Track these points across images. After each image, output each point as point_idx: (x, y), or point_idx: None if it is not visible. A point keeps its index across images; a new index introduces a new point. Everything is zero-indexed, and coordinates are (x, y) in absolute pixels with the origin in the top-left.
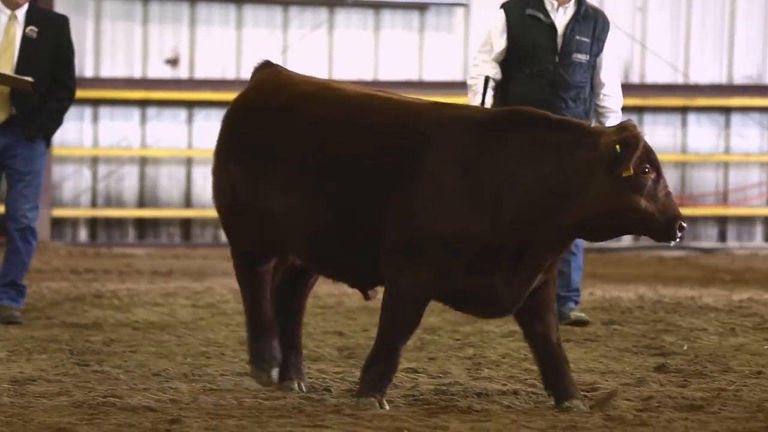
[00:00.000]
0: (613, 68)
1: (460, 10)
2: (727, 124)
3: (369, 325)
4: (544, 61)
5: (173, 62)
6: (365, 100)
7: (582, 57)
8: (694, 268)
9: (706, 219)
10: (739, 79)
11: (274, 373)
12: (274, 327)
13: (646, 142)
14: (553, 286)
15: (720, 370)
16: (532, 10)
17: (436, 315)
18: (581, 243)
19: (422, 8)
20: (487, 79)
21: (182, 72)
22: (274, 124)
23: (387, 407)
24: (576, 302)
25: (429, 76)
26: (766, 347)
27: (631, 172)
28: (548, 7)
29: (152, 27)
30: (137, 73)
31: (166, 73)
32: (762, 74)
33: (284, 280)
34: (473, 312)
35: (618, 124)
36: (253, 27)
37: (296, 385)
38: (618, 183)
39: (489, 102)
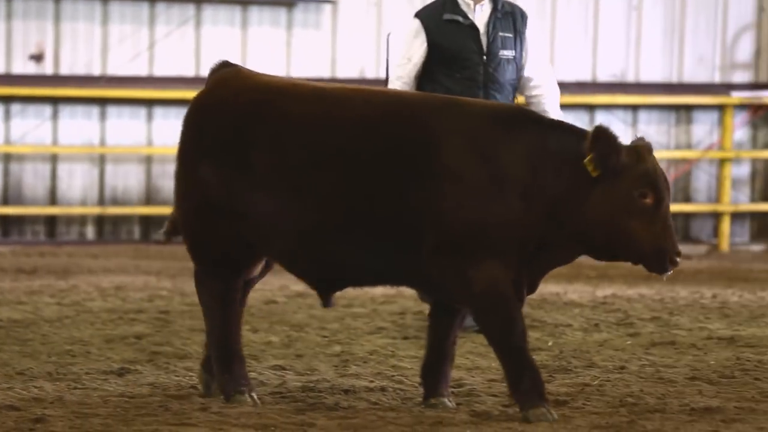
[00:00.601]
0: (539, 60)
1: (327, 7)
2: (592, 121)
3: None
4: (472, 63)
5: (38, 58)
6: (351, 93)
7: (508, 53)
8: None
9: None
10: (603, 77)
11: (254, 395)
12: (241, 352)
13: (649, 167)
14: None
15: (584, 366)
16: (450, 14)
17: (303, 312)
18: None
19: (290, 5)
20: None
21: (47, 68)
22: (250, 123)
23: (555, 416)
24: None
25: (297, 73)
26: (628, 342)
27: (589, 165)
28: (464, 8)
29: (16, 23)
30: (1, 70)
31: (30, 69)
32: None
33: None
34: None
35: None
36: (119, 23)
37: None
38: (614, 200)
39: None
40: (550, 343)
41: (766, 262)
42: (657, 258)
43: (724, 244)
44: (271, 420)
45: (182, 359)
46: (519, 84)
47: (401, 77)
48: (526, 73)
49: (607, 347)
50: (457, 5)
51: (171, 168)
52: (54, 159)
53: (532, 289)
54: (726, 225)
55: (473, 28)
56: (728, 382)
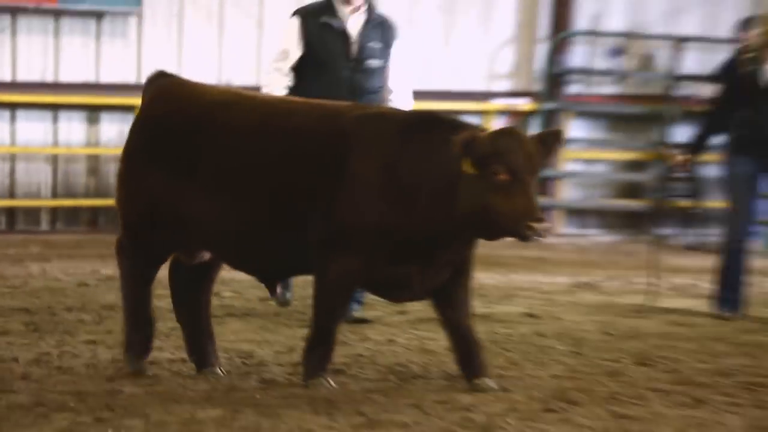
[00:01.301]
0: (401, 73)
1: (133, 19)
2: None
3: (53, 303)
4: (339, 68)
5: None
6: (285, 104)
7: (376, 62)
8: None
9: None
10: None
11: (144, 361)
12: (152, 322)
13: (498, 146)
14: (466, 277)
15: (359, 339)
16: (326, 17)
17: (113, 293)
18: None
19: (99, 16)
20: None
21: None
22: (193, 131)
23: (333, 384)
24: (360, 302)
25: (106, 79)
26: (398, 317)
27: (468, 169)
28: (340, 14)
29: None
30: None
31: None
32: None
33: (190, 276)
34: (390, 298)
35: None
36: None
37: (218, 369)
38: (478, 183)
39: None
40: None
41: (513, 249)
42: (516, 227)
43: None
44: (85, 388)
45: (3, 335)
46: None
47: (279, 69)
48: (390, 81)
49: (380, 323)
50: (334, 11)
51: None
52: None
53: (434, 282)
54: None
55: (345, 34)
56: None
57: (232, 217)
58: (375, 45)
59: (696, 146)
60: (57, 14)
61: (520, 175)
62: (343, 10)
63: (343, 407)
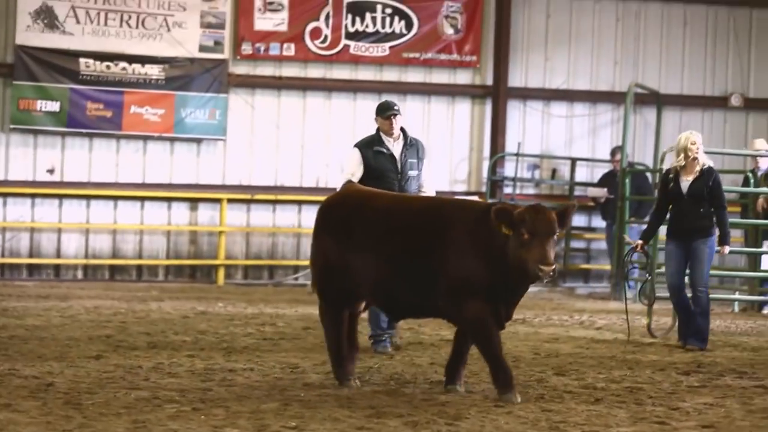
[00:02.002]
0: (430, 178)
1: (221, 143)
2: None
3: (165, 329)
4: (391, 179)
5: None
6: (409, 197)
7: (413, 173)
8: None
9: None
10: None
11: (355, 381)
12: (351, 353)
13: (526, 216)
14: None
15: (369, 356)
16: (377, 146)
17: (206, 323)
18: None
19: (199, 141)
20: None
21: None
22: (353, 214)
23: (519, 399)
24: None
25: (203, 181)
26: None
27: (505, 231)
28: (386, 143)
29: None
30: None
31: None
32: None
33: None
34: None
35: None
36: None
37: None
38: (513, 241)
39: None
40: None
41: None
42: (532, 270)
43: None
44: (186, 387)
45: (135, 350)
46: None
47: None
48: (421, 183)
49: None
50: (382, 141)
51: None
52: None
53: (509, 316)
54: None
55: (393, 156)
56: None
57: (379, 273)
58: (412, 160)
59: (646, 236)
60: (172, 140)
61: (537, 235)
62: (389, 140)
63: (359, 402)
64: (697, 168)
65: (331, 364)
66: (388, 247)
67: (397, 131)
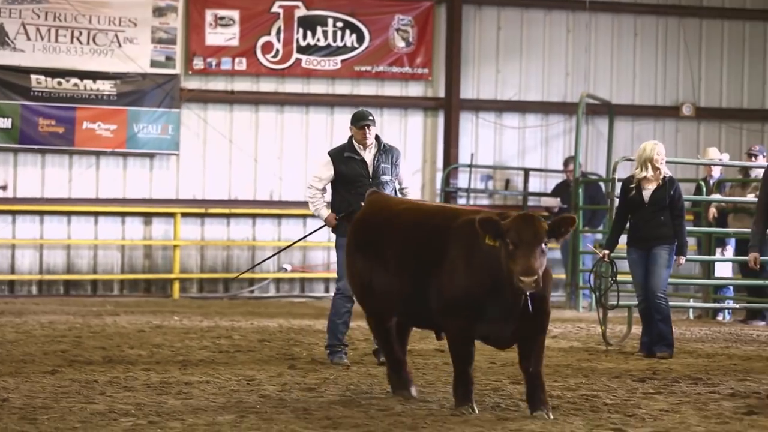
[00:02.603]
0: (409, 179)
1: (174, 157)
2: None
3: (121, 343)
4: (363, 184)
5: None
6: (427, 210)
7: (386, 178)
8: (310, 308)
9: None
10: None
11: (413, 390)
12: (403, 360)
13: (510, 227)
14: (541, 335)
15: (325, 367)
16: (348, 152)
17: (161, 336)
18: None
19: (152, 156)
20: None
21: None
22: (378, 230)
23: (477, 411)
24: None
25: (156, 196)
26: (351, 353)
27: (490, 242)
28: (359, 150)
29: None
30: None
31: None
32: None
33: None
34: (494, 345)
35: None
36: None
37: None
38: (502, 251)
39: (326, 209)
40: (304, 354)
41: None
42: (515, 281)
43: None
44: (142, 400)
45: (90, 364)
46: (400, 192)
47: (315, 187)
48: (402, 185)
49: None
50: (354, 148)
51: None
52: None
53: (514, 332)
54: None
55: (363, 161)
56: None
57: (395, 286)
58: (385, 165)
59: (610, 245)
60: (125, 155)
61: (520, 245)
62: (361, 148)
63: (316, 413)
64: (660, 177)
65: (387, 373)
66: (399, 263)
67: (371, 140)
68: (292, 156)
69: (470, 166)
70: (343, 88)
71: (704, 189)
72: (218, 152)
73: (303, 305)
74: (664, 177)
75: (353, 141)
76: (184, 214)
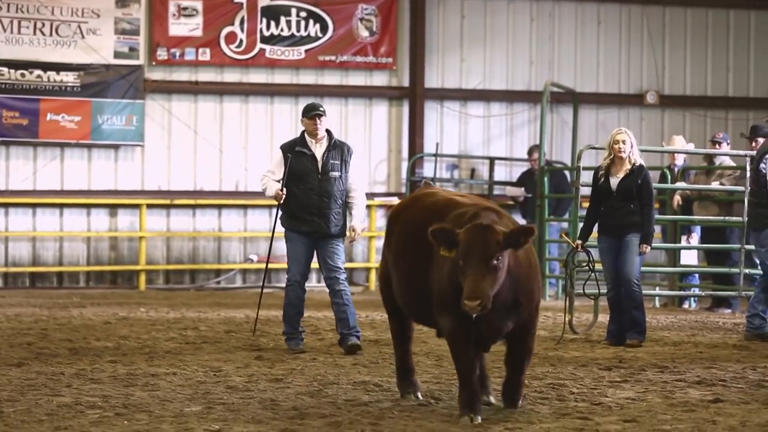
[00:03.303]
0: (358, 178)
1: (138, 149)
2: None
3: (87, 335)
4: (311, 179)
5: None
6: (440, 203)
7: (335, 174)
8: (277, 299)
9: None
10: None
11: (419, 394)
12: (413, 369)
13: (461, 240)
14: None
15: (292, 358)
16: (300, 147)
17: (127, 328)
18: (348, 297)
19: (117, 147)
20: (287, 159)
21: None
22: (398, 223)
23: (479, 420)
24: (357, 337)
25: (121, 187)
26: (318, 343)
27: (446, 254)
28: (310, 144)
29: None
30: None
31: None
32: None
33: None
34: (478, 344)
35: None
36: None
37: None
38: (454, 264)
39: (275, 184)
40: (271, 345)
41: None
42: (462, 302)
43: (372, 286)
44: (109, 393)
45: (57, 357)
46: (347, 191)
47: (268, 179)
48: (350, 185)
49: (305, 347)
50: (305, 142)
51: None
52: None
53: (493, 334)
54: (373, 274)
55: (314, 157)
56: (376, 366)
57: (401, 285)
58: (335, 161)
59: (584, 234)
60: (89, 147)
61: (468, 261)
62: (312, 142)
63: (283, 404)
64: (627, 166)
65: (397, 376)
66: (406, 258)
67: (321, 132)
68: (257, 146)
69: (435, 155)
70: (307, 77)
71: (669, 177)
72: (183, 143)
73: (270, 296)
74: (633, 165)
75: (305, 135)
76: (149, 206)
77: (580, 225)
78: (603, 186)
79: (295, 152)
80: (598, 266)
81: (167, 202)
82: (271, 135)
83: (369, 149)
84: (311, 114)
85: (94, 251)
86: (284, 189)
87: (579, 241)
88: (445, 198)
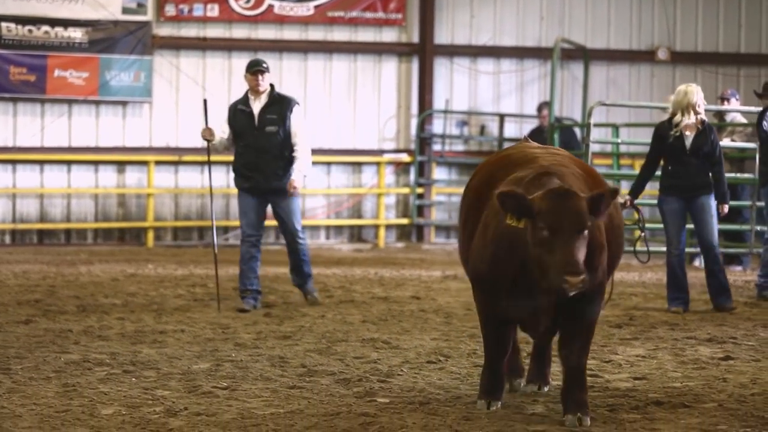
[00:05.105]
0: (300, 131)
1: (147, 105)
2: None
3: (95, 292)
4: (249, 136)
5: None
6: (510, 159)
7: (272, 128)
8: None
9: None
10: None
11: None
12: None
13: (543, 207)
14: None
15: (300, 315)
16: (241, 105)
17: (135, 285)
18: (304, 251)
19: (125, 104)
20: (205, 102)
21: None
22: (472, 179)
23: (498, 406)
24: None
25: (129, 144)
26: (327, 300)
27: (514, 223)
28: (250, 101)
29: None
30: None
31: None
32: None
33: None
34: (530, 334)
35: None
36: None
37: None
38: (531, 237)
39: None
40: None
41: (404, 254)
42: (555, 280)
43: (381, 243)
44: (116, 350)
45: (64, 314)
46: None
47: (222, 134)
48: (292, 139)
49: (316, 305)
50: (247, 99)
51: None
52: None
53: (545, 320)
54: (382, 231)
55: (251, 113)
56: (385, 323)
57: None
58: (272, 116)
59: (636, 190)
60: (97, 103)
61: (558, 233)
62: (253, 98)
63: (291, 362)
64: (700, 123)
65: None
66: (468, 224)
67: (263, 87)
68: None
69: (445, 111)
70: (316, 34)
71: None
72: (191, 99)
73: (278, 253)
74: (704, 122)
75: (248, 92)
76: (157, 162)
77: None
78: (674, 144)
79: (237, 110)
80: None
81: (175, 158)
82: (280, 91)
83: (378, 106)
84: (253, 69)
85: (102, 208)
86: (214, 133)
87: (628, 197)
88: (524, 153)
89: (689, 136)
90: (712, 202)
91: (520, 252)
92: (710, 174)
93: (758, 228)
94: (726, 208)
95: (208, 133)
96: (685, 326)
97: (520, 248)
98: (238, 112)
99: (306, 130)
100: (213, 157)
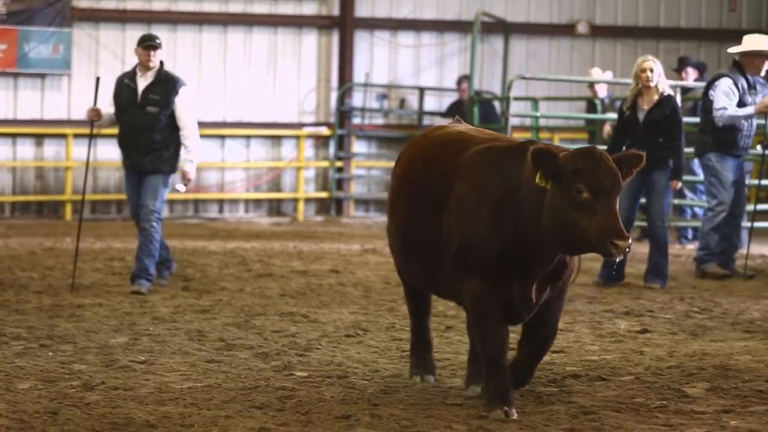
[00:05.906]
0: (185, 115)
1: (65, 78)
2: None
3: (12, 265)
4: (130, 113)
5: None
6: (446, 138)
7: (153, 109)
8: (204, 229)
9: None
10: (231, 118)
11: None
12: (431, 343)
13: (580, 165)
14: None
15: (219, 289)
16: (127, 80)
17: (53, 258)
18: (152, 236)
19: (43, 77)
20: (98, 80)
21: None
22: (400, 161)
23: (514, 415)
24: (148, 280)
25: (47, 116)
26: (245, 274)
27: (542, 183)
28: (137, 77)
29: None
30: None
31: None
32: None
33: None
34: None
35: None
36: None
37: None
38: (560, 200)
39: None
40: (198, 276)
41: (324, 227)
42: (600, 245)
43: (300, 217)
44: (33, 324)
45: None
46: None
47: (109, 107)
48: (178, 123)
49: (233, 277)
50: (134, 74)
51: None
52: None
53: (527, 301)
54: (301, 205)
55: (135, 90)
56: (303, 297)
57: (400, 245)
58: (155, 96)
59: None
60: (15, 75)
61: (602, 194)
62: (140, 75)
63: (209, 335)
64: (655, 96)
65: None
66: (406, 210)
67: (153, 63)
68: (185, 75)
69: (365, 85)
70: (236, 6)
71: (599, 108)
72: (110, 72)
73: (195, 226)
74: (662, 94)
75: (137, 67)
76: (76, 135)
77: None
78: (629, 118)
79: (123, 84)
80: None
81: (94, 131)
82: (200, 64)
83: (298, 79)
84: (145, 44)
85: (20, 181)
86: (101, 113)
87: None
88: (457, 131)
89: (644, 109)
90: (663, 179)
91: (522, 224)
92: (668, 149)
93: (676, 201)
94: (678, 184)
95: (94, 114)
96: (603, 299)
97: (521, 219)
98: (123, 87)
99: (192, 113)
100: (106, 131)
